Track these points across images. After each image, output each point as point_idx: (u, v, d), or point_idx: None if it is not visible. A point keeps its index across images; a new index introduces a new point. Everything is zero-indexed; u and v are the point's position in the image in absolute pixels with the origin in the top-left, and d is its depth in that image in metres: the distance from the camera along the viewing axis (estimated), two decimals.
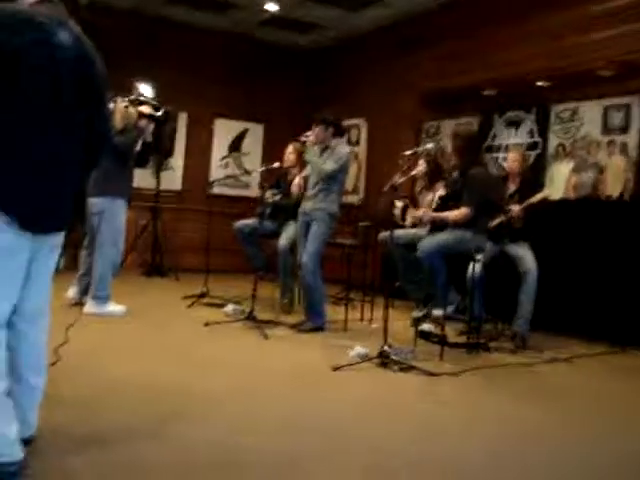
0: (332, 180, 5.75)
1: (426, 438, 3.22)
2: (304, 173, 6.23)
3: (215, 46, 9.90)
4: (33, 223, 2.38)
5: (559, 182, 7.30)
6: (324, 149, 5.82)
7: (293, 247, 6.20)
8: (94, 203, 5.62)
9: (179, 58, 9.56)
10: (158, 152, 8.73)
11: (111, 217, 5.71)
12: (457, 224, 5.49)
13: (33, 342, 2.57)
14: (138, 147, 5.93)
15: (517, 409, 3.87)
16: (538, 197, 5.73)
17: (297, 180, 6.38)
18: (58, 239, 2.59)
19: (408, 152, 5.60)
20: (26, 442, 2.45)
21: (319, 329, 5.72)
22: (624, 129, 6.78)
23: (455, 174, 5.83)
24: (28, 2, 2.46)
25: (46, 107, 2.38)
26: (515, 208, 5.66)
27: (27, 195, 2.36)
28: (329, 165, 5.69)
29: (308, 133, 5.83)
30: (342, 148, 5.86)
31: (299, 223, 5.96)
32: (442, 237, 5.52)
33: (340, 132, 6.02)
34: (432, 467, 2.84)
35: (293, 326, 5.75)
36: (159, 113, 6.01)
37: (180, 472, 2.58)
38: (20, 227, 2.33)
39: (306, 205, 5.88)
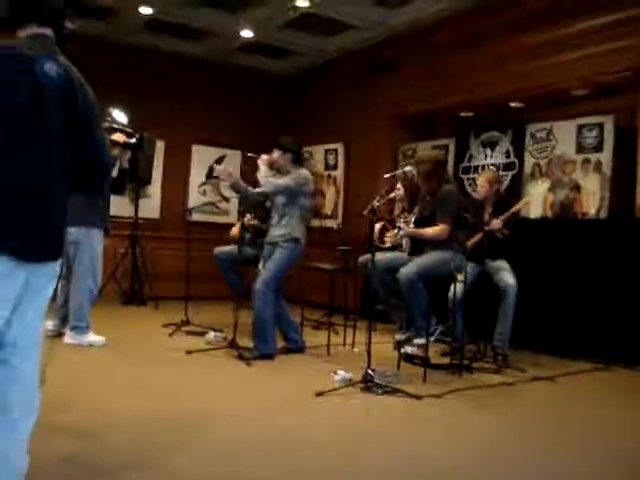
0: (292, 204, 5.69)
1: (412, 461, 3.19)
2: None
3: (192, 73, 9.91)
4: (22, 251, 2.36)
5: (536, 201, 7.36)
6: (284, 175, 5.80)
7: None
8: (70, 233, 5.56)
9: (156, 86, 9.55)
10: (135, 180, 8.69)
11: (87, 247, 5.67)
12: (436, 242, 5.49)
13: (24, 377, 2.48)
14: (114, 174, 5.89)
15: (500, 429, 3.86)
16: (519, 205, 5.87)
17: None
18: (55, 268, 2.56)
19: (387, 175, 5.63)
20: None
21: (267, 357, 5.50)
22: (598, 148, 6.86)
23: (427, 198, 5.85)
24: (21, 36, 2.49)
25: (27, 137, 2.37)
26: (496, 221, 5.73)
27: (9, 222, 2.34)
28: (281, 180, 5.67)
29: (264, 156, 5.83)
30: (303, 171, 5.83)
31: (265, 252, 5.88)
32: (421, 262, 5.50)
33: (299, 159, 5.93)
34: None
35: (239, 357, 5.41)
36: (133, 140, 5.95)
37: None
38: (9, 254, 2.31)
39: (270, 234, 5.83)
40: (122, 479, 2.73)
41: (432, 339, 5.60)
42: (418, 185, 6.34)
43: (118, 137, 5.78)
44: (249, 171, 6.72)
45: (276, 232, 5.74)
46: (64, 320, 5.80)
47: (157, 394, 4.25)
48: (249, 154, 6.06)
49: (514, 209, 5.83)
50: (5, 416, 2.43)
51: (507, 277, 5.72)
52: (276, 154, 5.81)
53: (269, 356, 5.53)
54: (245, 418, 3.82)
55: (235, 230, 7.14)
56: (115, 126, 5.83)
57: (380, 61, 8.96)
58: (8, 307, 2.40)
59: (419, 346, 5.48)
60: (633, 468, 3.28)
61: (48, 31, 2.53)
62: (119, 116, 5.99)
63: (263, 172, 5.80)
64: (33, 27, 2.50)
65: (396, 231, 5.92)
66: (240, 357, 5.35)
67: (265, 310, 5.56)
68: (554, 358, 6.08)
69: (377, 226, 6.41)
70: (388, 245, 6.42)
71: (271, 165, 5.89)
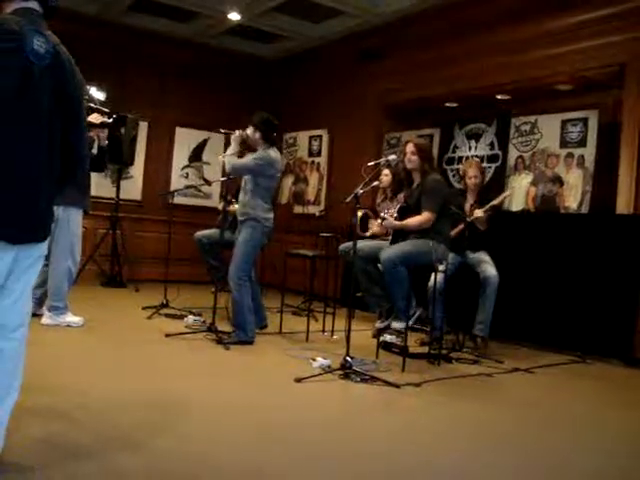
0: (254, 184, 5.61)
1: (389, 449, 3.20)
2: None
3: (177, 54, 9.82)
4: (11, 233, 2.37)
5: (519, 194, 7.39)
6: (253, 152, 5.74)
7: (256, 260, 6.09)
8: None
9: (140, 66, 9.46)
10: (117, 161, 8.61)
11: (65, 226, 5.58)
12: (419, 231, 5.48)
13: (7, 358, 2.48)
14: (94, 152, 5.82)
15: (480, 419, 3.88)
16: (500, 198, 5.89)
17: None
18: (41, 249, 2.57)
19: (371, 163, 5.62)
20: None
21: (244, 343, 5.46)
22: (582, 143, 6.89)
23: (414, 185, 5.84)
24: (7, 10, 2.44)
25: (19, 115, 2.35)
26: (478, 211, 5.76)
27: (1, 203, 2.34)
28: (242, 160, 5.60)
29: (237, 131, 5.75)
30: (268, 152, 5.66)
31: (237, 229, 5.85)
32: (404, 247, 5.51)
33: (268, 139, 5.72)
34: (399, 476, 2.83)
35: (218, 341, 5.38)
36: (109, 120, 5.81)
37: None
38: None
39: (237, 210, 5.82)
40: (100, 460, 2.71)
41: (411, 322, 5.61)
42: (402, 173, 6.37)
43: (95, 118, 5.66)
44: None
45: (240, 210, 5.73)
46: (40, 301, 5.74)
47: (135, 376, 4.23)
48: (223, 130, 6.03)
49: (494, 202, 5.85)
50: None
51: (488, 268, 5.76)
52: (249, 130, 5.72)
53: (247, 342, 5.50)
54: (224, 402, 3.81)
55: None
56: (92, 105, 5.72)
57: (367, 49, 8.93)
58: None
59: (397, 331, 5.51)
60: (617, 458, 3.31)
61: (34, 5, 2.47)
62: (97, 94, 5.88)
63: (230, 150, 5.73)
64: (19, 1, 2.45)
65: (380, 221, 5.91)
66: (219, 341, 5.34)
67: (242, 297, 5.53)
68: (532, 350, 6.12)
69: (358, 214, 6.41)
70: (369, 234, 6.43)
71: (244, 141, 5.81)
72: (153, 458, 2.80)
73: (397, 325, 5.60)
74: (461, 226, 5.88)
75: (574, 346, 5.96)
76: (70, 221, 5.62)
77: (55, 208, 5.47)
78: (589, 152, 6.81)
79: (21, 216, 2.41)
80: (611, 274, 5.89)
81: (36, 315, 5.61)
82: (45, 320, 5.57)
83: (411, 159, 5.61)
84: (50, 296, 5.63)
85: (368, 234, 6.45)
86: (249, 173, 5.64)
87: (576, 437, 3.67)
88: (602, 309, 5.88)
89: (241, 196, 5.76)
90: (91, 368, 4.34)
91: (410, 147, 5.61)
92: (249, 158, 5.63)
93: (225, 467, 2.80)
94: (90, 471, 2.60)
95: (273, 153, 5.71)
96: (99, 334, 5.46)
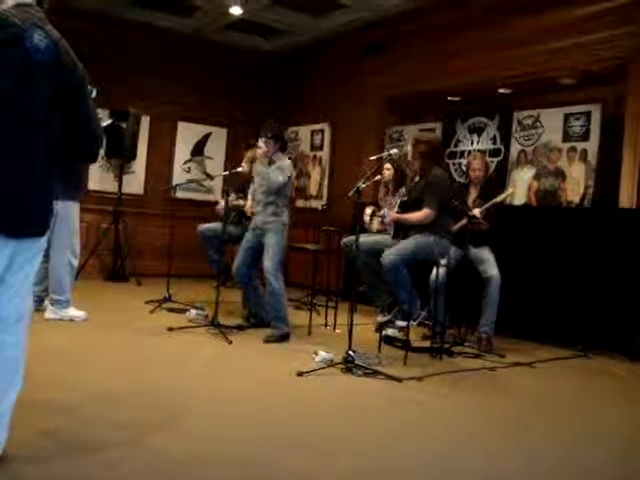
0: (279, 194, 5.75)
1: (392, 442, 3.21)
2: (251, 189, 6.30)
3: (179, 49, 9.78)
4: (9, 227, 2.37)
5: (521, 188, 7.38)
6: (270, 162, 5.81)
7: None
8: None
9: (142, 61, 9.42)
10: (119, 156, 8.61)
11: (65, 220, 5.57)
12: (419, 226, 5.49)
13: (7, 352, 2.49)
14: None
15: (483, 413, 3.89)
16: (502, 196, 5.84)
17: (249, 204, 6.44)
18: (41, 243, 2.57)
19: (373, 157, 5.63)
20: None
21: (286, 336, 5.60)
22: (584, 137, 6.88)
23: (416, 179, 5.86)
24: (7, 5, 2.43)
25: (17, 108, 2.35)
26: (476, 210, 5.74)
27: None
28: (280, 177, 5.68)
29: (261, 144, 5.84)
30: (285, 160, 5.84)
31: (249, 236, 5.92)
32: (406, 246, 5.51)
33: (285, 147, 5.99)
34: (403, 469, 2.84)
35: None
36: (104, 124, 5.81)
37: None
38: None
39: (257, 219, 5.86)
40: (100, 455, 2.72)
41: (415, 323, 5.62)
42: (403, 169, 6.41)
43: None
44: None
45: (265, 218, 5.75)
46: (41, 299, 5.72)
47: (138, 371, 4.24)
48: (237, 168, 6.30)
49: (496, 199, 5.80)
50: None
51: (490, 268, 5.73)
52: (270, 143, 5.76)
53: (287, 336, 5.61)
54: (225, 396, 3.82)
55: (220, 207, 7.14)
56: None
57: (368, 43, 8.90)
58: None
59: (401, 329, 5.51)
60: (620, 452, 3.31)
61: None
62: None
63: (263, 164, 5.88)
64: None
65: (382, 212, 5.93)
66: (224, 336, 5.36)
67: (282, 290, 5.65)
68: (534, 344, 6.11)
69: (368, 210, 6.42)
70: (375, 229, 6.44)
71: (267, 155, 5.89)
72: (153, 453, 2.81)
73: (401, 324, 5.60)
74: (464, 220, 5.87)
75: (576, 341, 5.95)
76: (69, 215, 5.63)
77: (54, 203, 5.55)
78: (592, 146, 6.81)
79: (19, 211, 2.40)
80: (614, 268, 5.87)
81: (39, 311, 5.62)
82: (48, 314, 5.59)
83: (414, 157, 5.69)
84: (52, 290, 5.63)
85: (374, 229, 6.46)
86: (283, 187, 5.74)
87: (580, 432, 3.68)
88: (605, 303, 5.87)
89: (261, 205, 5.81)
90: (94, 362, 4.35)
91: (410, 148, 5.72)
92: (279, 175, 5.66)
93: (226, 462, 2.80)
94: (91, 465, 2.61)
95: (289, 161, 5.93)
96: (102, 328, 5.47)
